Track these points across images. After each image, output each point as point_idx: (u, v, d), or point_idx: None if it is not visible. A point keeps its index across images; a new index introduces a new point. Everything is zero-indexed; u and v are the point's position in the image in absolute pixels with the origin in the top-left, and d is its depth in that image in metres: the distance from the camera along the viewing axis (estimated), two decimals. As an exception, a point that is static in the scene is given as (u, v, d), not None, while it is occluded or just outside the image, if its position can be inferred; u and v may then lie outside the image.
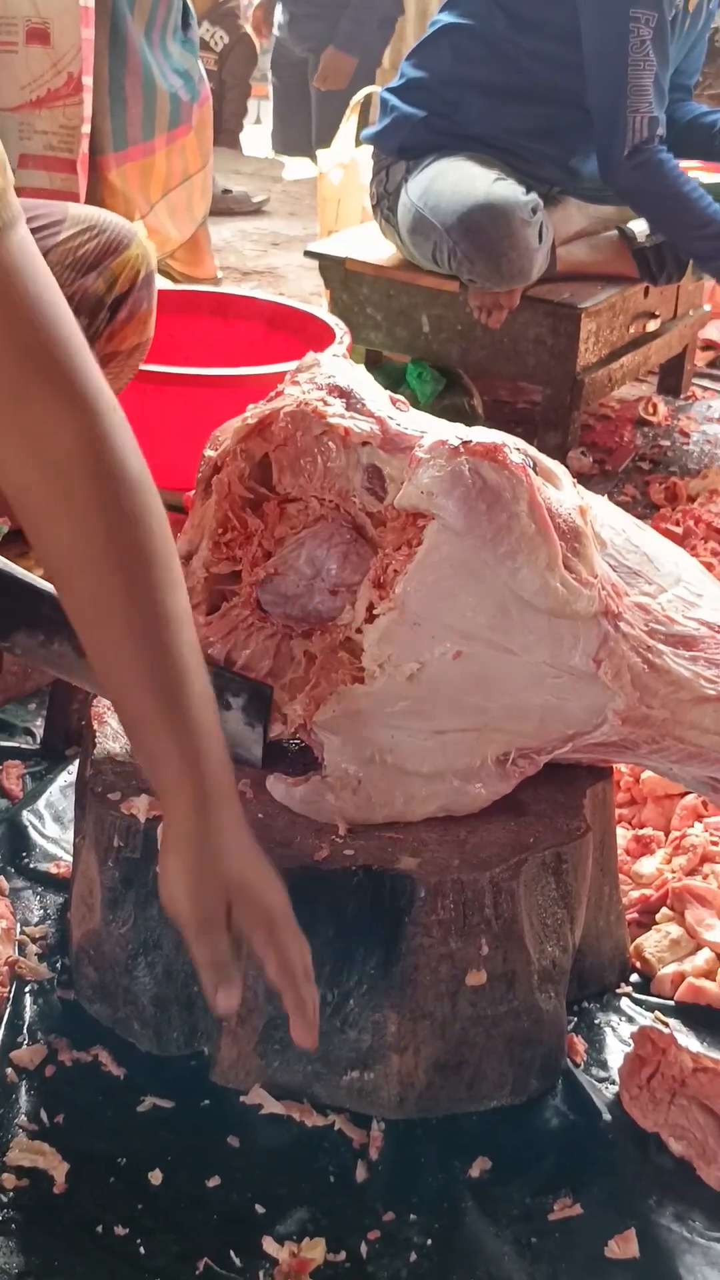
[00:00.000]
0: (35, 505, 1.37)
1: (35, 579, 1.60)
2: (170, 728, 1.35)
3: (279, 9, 6.58)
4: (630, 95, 3.12)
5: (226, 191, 5.71)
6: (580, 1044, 1.69)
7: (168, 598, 1.36)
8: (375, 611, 1.53)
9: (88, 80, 3.59)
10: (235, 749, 1.58)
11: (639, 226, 3.39)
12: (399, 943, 1.51)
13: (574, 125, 3.28)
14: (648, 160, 3.14)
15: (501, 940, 1.53)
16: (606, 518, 1.65)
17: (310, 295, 4.47)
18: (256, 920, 1.35)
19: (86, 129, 3.62)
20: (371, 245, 3.55)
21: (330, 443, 1.60)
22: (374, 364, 3.63)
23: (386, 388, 3.48)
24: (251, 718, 1.57)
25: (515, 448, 1.54)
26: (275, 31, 6.67)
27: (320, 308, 3.60)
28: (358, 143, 4.22)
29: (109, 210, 2.16)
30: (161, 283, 4.32)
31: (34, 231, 1.74)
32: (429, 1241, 1.45)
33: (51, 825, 1.97)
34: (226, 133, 6.89)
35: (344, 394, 1.62)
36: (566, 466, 3.29)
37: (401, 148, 3.38)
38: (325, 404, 1.60)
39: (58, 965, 1.73)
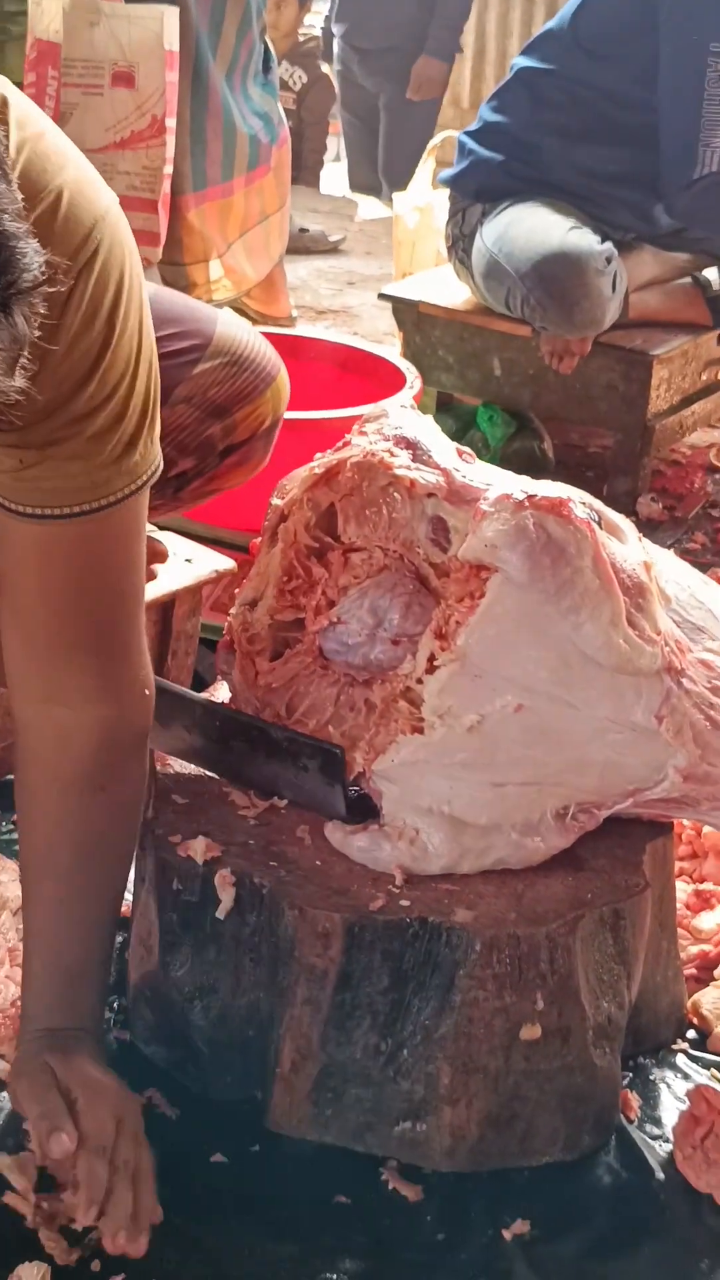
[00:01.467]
0: (29, 745, 1.49)
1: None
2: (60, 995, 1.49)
3: (337, 45, 6.60)
4: (703, 130, 3.11)
5: (303, 230, 5.75)
6: (634, 1100, 1.67)
7: (103, 892, 1.52)
8: (436, 662, 1.53)
9: (171, 122, 3.64)
10: (319, 806, 1.61)
11: (713, 274, 3.38)
12: (453, 995, 1.50)
13: (653, 170, 3.29)
14: (711, 184, 3.14)
15: (557, 995, 1.52)
16: (671, 573, 1.64)
17: (384, 335, 4.49)
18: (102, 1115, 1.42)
19: (169, 170, 3.67)
20: (445, 288, 3.56)
21: (396, 494, 1.60)
22: (445, 406, 3.64)
23: (457, 430, 3.53)
24: (329, 778, 1.59)
25: (581, 502, 1.54)
26: (336, 65, 6.71)
27: (393, 349, 3.62)
28: (434, 185, 4.24)
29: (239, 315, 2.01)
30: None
31: (172, 355, 1.71)
32: (477, 1298, 1.44)
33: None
34: (306, 170, 6.95)
35: (410, 445, 1.62)
36: (636, 512, 3.32)
37: (478, 191, 3.39)
38: (392, 455, 1.61)
39: (115, 1005, 1.74)
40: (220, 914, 1.54)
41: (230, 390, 1.89)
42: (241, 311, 4.35)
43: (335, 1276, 1.44)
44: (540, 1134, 1.57)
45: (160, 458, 1.43)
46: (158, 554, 2.13)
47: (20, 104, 1.24)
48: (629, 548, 1.56)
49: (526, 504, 1.50)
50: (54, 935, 1.50)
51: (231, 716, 1.66)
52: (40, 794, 1.50)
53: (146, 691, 1.51)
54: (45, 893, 1.50)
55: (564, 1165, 1.58)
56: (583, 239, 3.12)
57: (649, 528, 3.30)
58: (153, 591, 2.14)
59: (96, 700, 1.46)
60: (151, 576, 2.15)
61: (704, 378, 3.51)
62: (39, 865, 1.51)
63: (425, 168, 4.42)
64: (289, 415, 2.68)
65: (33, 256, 1.04)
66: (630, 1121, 1.65)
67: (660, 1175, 1.58)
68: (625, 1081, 1.69)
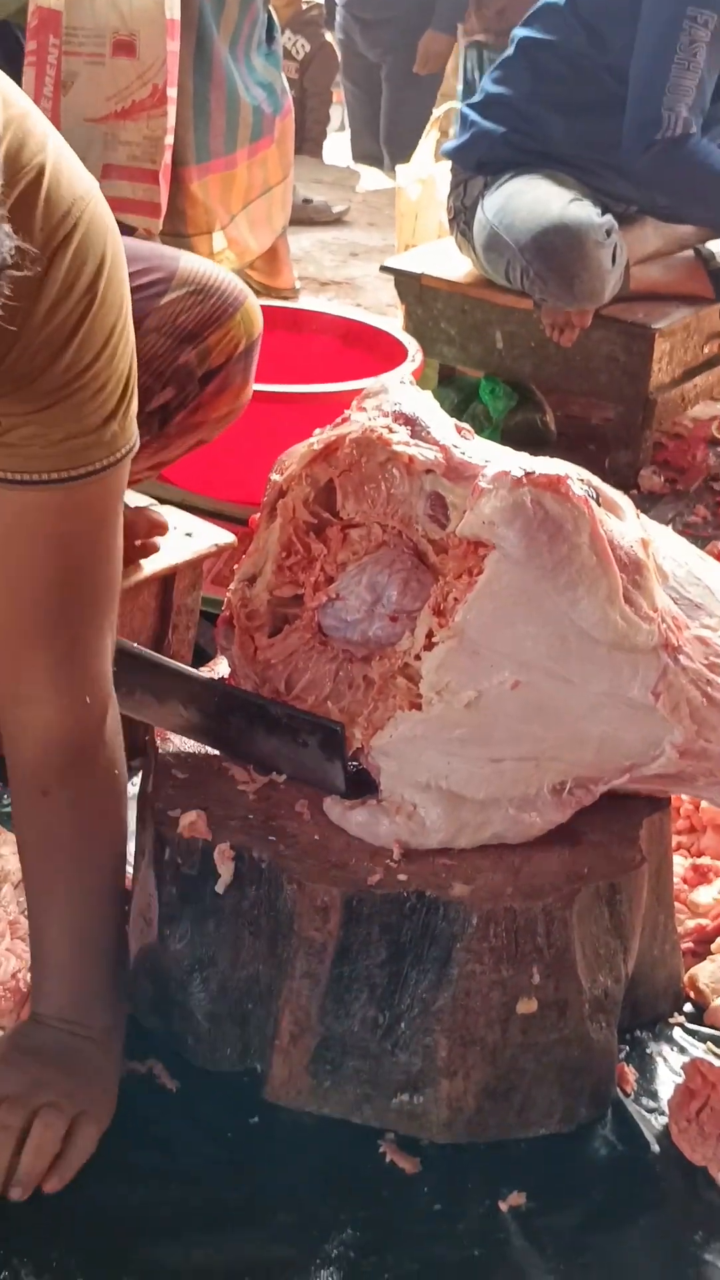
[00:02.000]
0: (10, 731, 1.52)
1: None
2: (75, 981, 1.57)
3: (340, 14, 6.58)
4: (668, 93, 3.10)
5: (307, 201, 5.73)
6: (631, 1074, 1.68)
7: (103, 876, 1.58)
8: (434, 639, 1.54)
9: (172, 92, 3.62)
10: (318, 781, 1.62)
11: (715, 246, 3.37)
12: (450, 968, 1.51)
13: None
14: (671, 148, 3.13)
15: (553, 969, 1.53)
16: (669, 549, 1.64)
17: (387, 307, 4.48)
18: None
19: (170, 140, 3.65)
20: (447, 261, 3.56)
21: (394, 470, 1.60)
22: (447, 379, 3.63)
23: (460, 403, 3.53)
24: (329, 754, 1.60)
25: (578, 479, 1.54)
26: (338, 34, 6.68)
27: (395, 320, 3.61)
28: (436, 157, 4.23)
29: (215, 261, 2.07)
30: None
31: (138, 289, 1.78)
32: (472, 1271, 1.45)
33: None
34: (309, 141, 6.92)
35: (409, 421, 1.62)
36: (638, 485, 3.32)
37: (480, 163, 3.38)
38: (390, 431, 1.61)
39: (115, 977, 1.75)
40: (220, 888, 1.55)
41: (198, 316, 1.92)
42: (245, 283, 4.34)
43: (333, 1247, 1.46)
44: (537, 1106, 1.58)
45: (137, 437, 1.45)
46: (157, 526, 2.13)
47: (3, 84, 1.27)
48: (627, 524, 1.56)
49: (524, 481, 1.50)
50: (30, 927, 1.59)
51: (230, 692, 1.67)
52: (11, 794, 1.57)
53: (88, 699, 1.50)
54: (26, 886, 1.59)
55: (560, 1137, 1.60)
56: (582, 211, 3.11)
57: (650, 501, 3.30)
58: (153, 565, 2.15)
59: (41, 702, 1.48)
60: (153, 549, 2.15)
61: (706, 351, 3.50)
62: (19, 859, 1.59)
63: (429, 139, 4.40)
64: (290, 389, 2.69)
65: (4, 240, 1.07)
66: (626, 1094, 1.66)
67: (656, 1148, 1.59)
68: (622, 1055, 1.70)
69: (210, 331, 1.93)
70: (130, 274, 1.71)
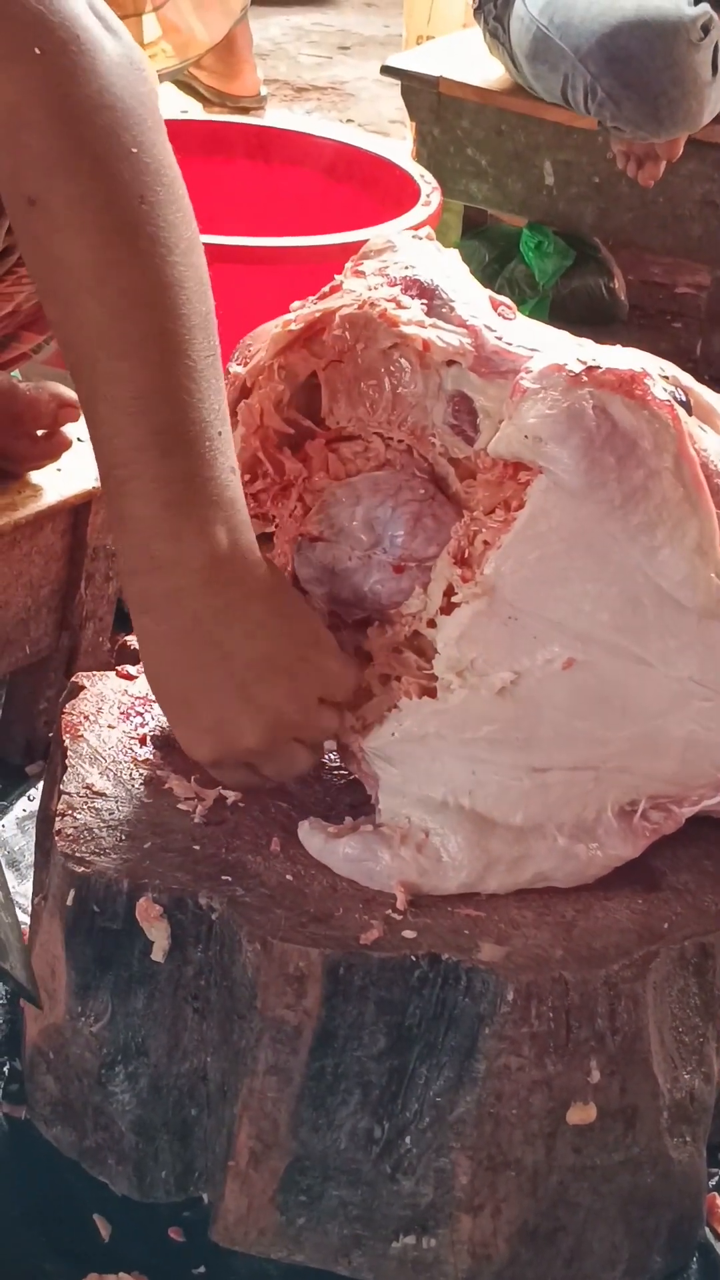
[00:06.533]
0: None
1: None
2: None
3: None
4: None
5: (278, -29, 5.74)
6: (726, 1209, 1.71)
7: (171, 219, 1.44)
8: (456, 598, 1.55)
9: None
10: None
11: None
12: (476, 1061, 1.53)
13: None
14: None
15: (619, 1063, 1.55)
16: (788, 475, 1.65)
17: (390, 124, 4.49)
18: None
19: None
20: (476, 60, 3.56)
21: (403, 360, 1.61)
22: (476, 229, 3.64)
23: (493, 262, 3.53)
24: None
25: (661, 375, 1.54)
26: None
27: (402, 145, 3.61)
28: None
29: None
30: (185, 102, 4.35)
31: None
32: None
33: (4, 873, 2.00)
34: None
35: (426, 292, 1.63)
36: (742, 380, 3.33)
37: None
38: (399, 306, 1.62)
39: (5, 1070, 1.76)
40: (158, 956, 1.56)
41: None
42: (189, 87, 4.34)
43: None
44: (594, 1253, 1.60)
45: None
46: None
47: None
48: (729, 440, 1.58)
49: (584, 378, 1.50)
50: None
51: None
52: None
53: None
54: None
55: (627, 1297, 1.61)
56: (668, 0, 3.10)
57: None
58: (59, 490, 2.14)
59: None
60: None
61: None
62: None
63: None
64: (255, 242, 2.69)
65: None
66: (720, 1237, 1.68)
67: (760, 1311, 1.62)
68: (713, 1182, 1.72)
69: None
70: None
